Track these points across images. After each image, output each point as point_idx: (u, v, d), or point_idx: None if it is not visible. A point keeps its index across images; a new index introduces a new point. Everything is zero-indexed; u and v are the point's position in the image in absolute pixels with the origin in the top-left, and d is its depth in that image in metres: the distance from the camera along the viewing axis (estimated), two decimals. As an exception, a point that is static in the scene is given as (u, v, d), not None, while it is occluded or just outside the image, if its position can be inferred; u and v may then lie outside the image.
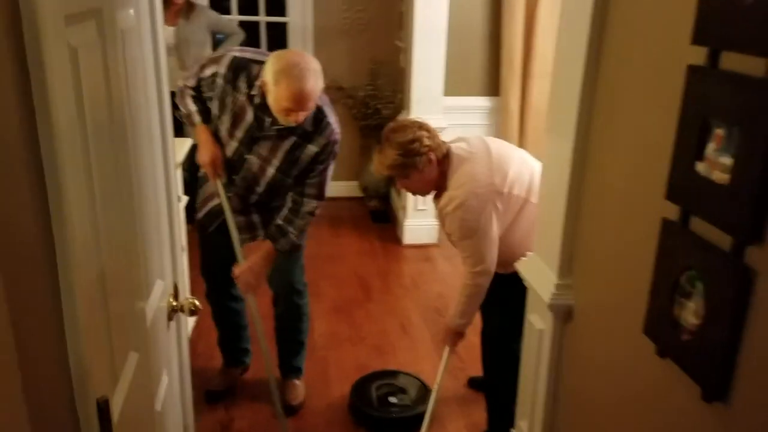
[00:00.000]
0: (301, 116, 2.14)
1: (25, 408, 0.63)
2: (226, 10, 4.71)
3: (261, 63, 2.19)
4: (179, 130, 2.28)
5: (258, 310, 2.40)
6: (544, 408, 1.99)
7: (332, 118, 2.32)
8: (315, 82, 2.08)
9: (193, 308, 1.39)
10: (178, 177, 1.50)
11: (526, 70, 4.48)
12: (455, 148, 2.30)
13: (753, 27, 1.11)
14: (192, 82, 2.28)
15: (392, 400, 2.63)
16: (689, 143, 1.27)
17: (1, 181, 0.63)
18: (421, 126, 2.28)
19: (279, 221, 2.32)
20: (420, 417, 2.49)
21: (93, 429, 0.78)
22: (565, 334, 1.91)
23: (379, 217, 4.83)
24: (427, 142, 2.23)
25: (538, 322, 2.02)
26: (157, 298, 1.26)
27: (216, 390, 2.71)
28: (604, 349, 1.68)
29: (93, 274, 0.84)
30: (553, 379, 1.96)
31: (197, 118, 2.29)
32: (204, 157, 2.29)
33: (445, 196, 2.26)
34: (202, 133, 2.30)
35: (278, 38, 4.87)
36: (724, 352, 1.17)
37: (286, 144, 2.27)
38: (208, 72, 2.26)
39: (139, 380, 1.07)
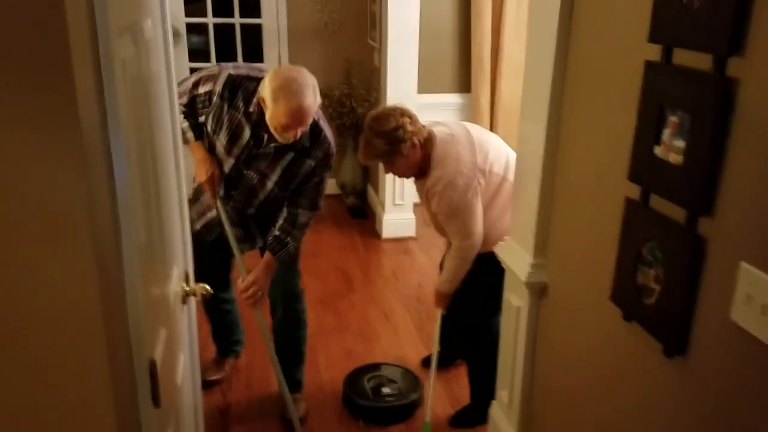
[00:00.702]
0: (300, 132, 2.14)
1: (107, 365, 0.76)
2: (201, 13, 4.78)
3: (257, 79, 2.18)
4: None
5: (266, 324, 2.47)
6: (522, 378, 2.15)
7: (328, 132, 2.32)
8: (313, 98, 2.09)
9: (204, 293, 1.51)
10: (183, 175, 1.59)
11: (495, 68, 4.67)
12: (437, 131, 2.41)
13: (700, 27, 1.27)
14: (184, 100, 2.24)
15: (385, 390, 2.70)
16: (648, 129, 1.43)
17: (90, 176, 0.74)
18: (403, 112, 2.38)
19: (277, 232, 2.33)
20: (412, 405, 2.66)
21: (146, 382, 0.90)
22: (540, 310, 2.07)
23: (358, 213, 4.96)
24: (409, 128, 2.33)
25: (515, 299, 2.18)
26: (175, 282, 1.38)
27: (211, 379, 2.77)
28: (576, 318, 1.85)
29: (143, 261, 0.96)
30: (530, 351, 2.12)
31: (191, 134, 2.28)
32: (201, 175, 2.29)
33: (432, 177, 2.34)
34: (198, 151, 2.29)
35: (253, 40, 4.96)
36: (682, 311, 1.34)
37: (284, 161, 2.27)
38: (202, 90, 2.23)
39: (167, 354, 1.19)
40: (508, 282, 2.26)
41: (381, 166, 2.51)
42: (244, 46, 4.97)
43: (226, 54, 4.81)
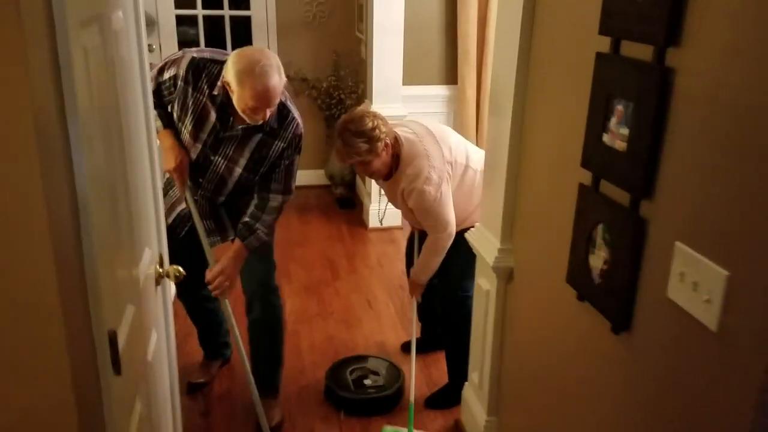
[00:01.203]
0: (268, 113, 2.12)
1: (64, 337, 0.84)
2: (191, 5, 4.84)
3: (220, 62, 2.16)
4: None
5: (232, 315, 2.34)
6: (491, 360, 2.23)
7: (296, 113, 2.29)
8: (279, 78, 2.06)
9: (177, 274, 1.58)
10: (157, 159, 1.64)
11: (481, 59, 4.72)
12: (400, 132, 2.52)
13: (644, 19, 1.34)
14: (151, 86, 2.20)
15: (367, 382, 2.72)
16: (597, 118, 1.50)
17: (45, 158, 0.81)
18: (375, 114, 2.47)
19: (246, 219, 2.28)
20: (394, 396, 2.67)
21: (105, 353, 0.97)
22: (507, 293, 2.15)
23: (345, 203, 5.03)
24: (383, 128, 2.42)
25: (484, 283, 2.26)
26: (146, 264, 1.44)
27: (196, 382, 2.74)
28: (538, 300, 1.92)
29: (105, 236, 1.03)
30: (498, 333, 2.20)
31: (159, 123, 2.24)
32: (170, 163, 2.24)
33: (406, 176, 2.45)
34: (166, 139, 2.25)
35: (242, 32, 5.01)
36: (626, 290, 1.42)
37: (252, 143, 2.24)
38: (167, 75, 2.20)
39: (135, 329, 1.25)
40: (478, 267, 2.34)
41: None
42: (233, 38, 5.02)
43: (215, 46, 4.86)
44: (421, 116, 4.53)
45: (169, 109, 2.24)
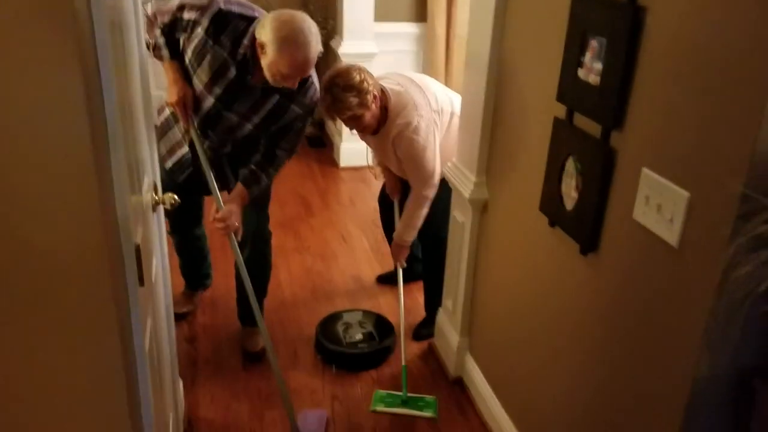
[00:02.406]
0: (297, 82, 2.09)
1: (107, 249, 0.92)
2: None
3: (248, 19, 2.10)
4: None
5: (238, 248, 2.33)
6: (465, 286, 2.38)
7: (315, 79, 2.27)
8: (317, 48, 2.03)
9: (173, 202, 1.64)
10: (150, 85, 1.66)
11: (452, -4, 4.72)
12: (385, 84, 2.52)
13: (619, -41, 1.42)
14: (167, 18, 2.13)
15: (358, 336, 2.69)
16: (573, 54, 1.59)
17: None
18: (360, 68, 2.44)
19: (252, 167, 2.28)
20: (385, 350, 2.63)
21: (132, 265, 1.06)
22: (482, 224, 2.28)
23: (316, 142, 5.06)
24: (370, 80, 2.40)
25: (459, 216, 2.38)
26: (146, 190, 1.51)
27: (182, 312, 2.77)
28: (511, 229, 2.06)
29: (124, 165, 1.09)
30: (472, 261, 2.34)
31: (166, 53, 2.16)
32: (172, 96, 2.17)
33: (396, 126, 2.42)
34: (171, 71, 2.18)
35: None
36: (595, 214, 1.55)
37: (269, 104, 2.20)
38: (187, 16, 2.11)
39: (144, 250, 1.34)
40: (454, 200, 2.45)
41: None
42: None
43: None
44: (392, 55, 4.58)
45: (181, 44, 2.16)
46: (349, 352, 2.61)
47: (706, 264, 1.20)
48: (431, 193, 2.53)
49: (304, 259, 3.40)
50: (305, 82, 2.21)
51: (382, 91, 2.48)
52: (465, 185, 2.28)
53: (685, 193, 1.24)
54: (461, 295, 2.41)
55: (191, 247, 2.80)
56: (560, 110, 1.69)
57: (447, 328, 2.57)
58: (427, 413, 2.34)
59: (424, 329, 2.79)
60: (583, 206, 1.60)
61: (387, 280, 3.18)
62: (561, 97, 1.67)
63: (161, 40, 2.15)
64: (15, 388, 0.97)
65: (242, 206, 2.31)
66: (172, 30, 2.16)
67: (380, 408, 2.37)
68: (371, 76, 2.44)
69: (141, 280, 1.08)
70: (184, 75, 2.20)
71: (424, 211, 2.56)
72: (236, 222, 2.27)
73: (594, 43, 1.51)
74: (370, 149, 2.84)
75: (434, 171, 2.50)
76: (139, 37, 1.54)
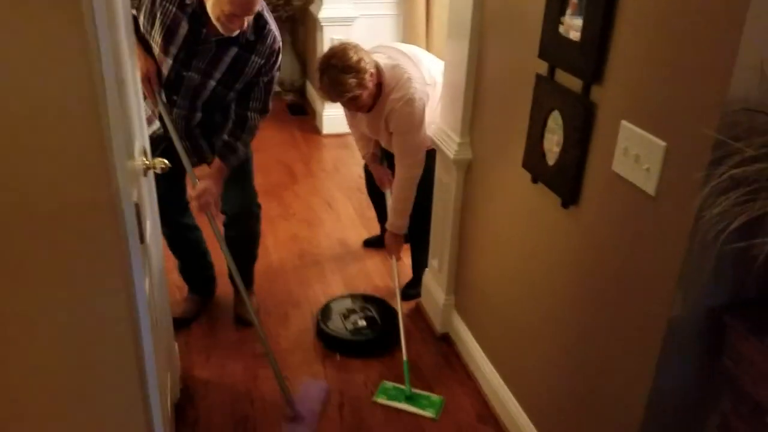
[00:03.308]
0: (245, 22, 2.01)
1: (111, 206, 0.96)
2: None
3: None
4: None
5: (220, 230, 2.28)
6: (450, 245, 2.44)
7: (273, 25, 2.17)
8: None
9: (163, 166, 1.66)
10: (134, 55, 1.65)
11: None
12: (378, 59, 2.48)
13: None
14: None
15: (360, 323, 2.61)
16: (554, 10, 1.62)
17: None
18: (354, 46, 2.37)
19: (225, 137, 2.22)
20: (388, 337, 2.54)
21: (133, 221, 1.09)
22: (466, 183, 2.33)
23: (297, 110, 5.05)
24: (366, 58, 2.37)
25: (444, 177, 2.43)
26: (137, 154, 1.53)
27: (181, 317, 2.61)
28: (495, 187, 2.11)
29: (121, 127, 1.12)
30: (458, 220, 2.40)
31: None
32: (140, 72, 2.07)
33: (391, 100, 2.40)
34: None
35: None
36: (576, 168, 1.60)
37: (228, 57, 2.12)
38: None
39: (141, 210, 1.37)
40: (439, 162, 2.50)
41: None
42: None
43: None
44: (371, 19, 4.56)
45: (140, 19, 2.12)
46: (353, 339, 2.53)
47: (681, 209, 1.26)
48: (417, 171, 2.51)
49: (290, 225, 3.44)
50: (262, 29, 2.13)
51: (377, 66, 2.44)
52: (449, 146, 2.32)
53: (662, 143, 1.30)
54: (447, 254, 2.47)
55: (183, 240, 2.61)
56: (542, 67, 1.73)
57: (434, 286, 2.64)
58: (427, 413, 2.23)
59: (412, 290, 2.85)
60: (564, 161, 1.65)
61: (373, 244, 3.23)
62: (543, 54, 1.71)
63: None
64: (34, 331, 1.03)
65: (221, 180, 2.25)
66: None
67: (382, 400, 2.28)
68: (367, 53, 2.41)
69: (141, 237, 1.12)
70: (146, 49, 2.14)
71: (413, 193, 2.53)
72: (210, 199, 2.21)
73: (574, 0, 1.54)
74: (355, 128, 2.78)
75: (421, 146, 2.49)
76: (126, 14, 1.54)
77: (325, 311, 2.68)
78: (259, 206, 2.57)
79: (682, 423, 1.49)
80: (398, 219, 2.59)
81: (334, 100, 2.42)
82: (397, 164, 2.53)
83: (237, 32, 2.06)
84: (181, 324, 2.56)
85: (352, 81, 2.33)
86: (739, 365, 1.30)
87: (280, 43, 2.22)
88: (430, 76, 2.54)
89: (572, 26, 1.56)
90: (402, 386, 2.33)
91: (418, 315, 2.76)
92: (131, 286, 1.06)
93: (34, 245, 0.96)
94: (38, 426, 1.10)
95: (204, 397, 2.26)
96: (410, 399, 2.29)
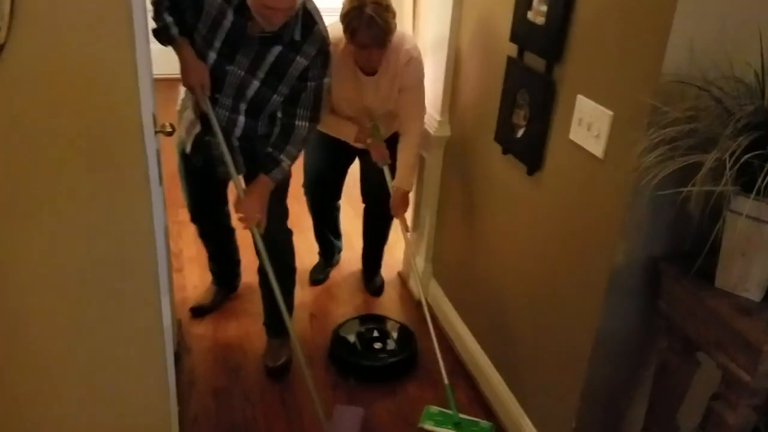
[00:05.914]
0: (281, 15, 1.87)
1: (139, 144, 1.16)
2: None
3: None
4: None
5: (260, 241, 2.10)
6: (429, 217, 2.64)
7: (322, 25, 2.03)
8: None
9: (170, 129, 1.82)
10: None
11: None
12: None
13: None
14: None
15: (377, 345, 2.46)
16: (524, -1, 1.83)
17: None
18: None
19: (269, 149, 2.07)
20: (407, 361, 2.43)
21: (155, 166, 1.28)
22: (445, 159, 2.53)
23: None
24: None
25: (425, 153, 2.62)
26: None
27: (202, 305, 2.59)
28: (470, 160, 2.31)
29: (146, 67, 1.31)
30: (436, 194, 2.60)
31: (174, 30, 1.95)
32: (192, 78, 1.97)
33: (405, 52, 2.26)
34: (184, 50, 1.96)
35: None
36: (539, 138, 1.81)
37: (271, 56, 1.99)
38: None
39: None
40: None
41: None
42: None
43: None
44: None
45: (187, 17, 1.99)
46: (370, 364, 2.38)
47: (622, 168, 1.47)
48: (424, 128, 2.47)
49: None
50: (310, 29, 2.00)
51: None
52: (431, 124, 2.52)
53: (609, 112, 1.50)
54: (428, 226, 2.67)
55: (214, 238, 2.56)
56: (513, 50, 1.93)
57: (415, 256, 2.84)
58: None
59: (377, 285, 2.90)
60: (530, 132, 1.86)
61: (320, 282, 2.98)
62: (513, 38, 1.91)
63: (169, 19, 1.96)
64: (65, 253, 1.23)
65: (265, 196, 2.08)
66: (176, 4, 1.97)
67: (429, 426, 2.13)
68: None
69: (161, 179, 1.30)
70: (196, 52, 2.01)
71: (418, 152, 2.49)
72: (258, 214, 2.07)
73: (541, -12, 1.74)
74: (344, 107, 2.42)
75: (424, 105, 2.42)
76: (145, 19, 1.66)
77: (338, 333, 2.50)
78: (288, 233, 2.32)
79: (628, 361, 1.70)
80: (411, 176, 2.44)
81: (378, 42, 2.14)
82: (410, 122, 2.38)
83: (279, 26, 1.93)
84: (198, 312, 2.60)
85: (393, 22, 2.13)
86: (671, 306, 1.51)
87: (329, 45, 2.07)
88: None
89: (539, 12, 1.76)
90: (447, 411, 2.17)
91: (398, 282, 2.96)
92: (150, 221, 1.25)
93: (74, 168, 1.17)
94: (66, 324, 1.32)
95: (199, 348, 2.44)
96: (459, 426, 2.12)
